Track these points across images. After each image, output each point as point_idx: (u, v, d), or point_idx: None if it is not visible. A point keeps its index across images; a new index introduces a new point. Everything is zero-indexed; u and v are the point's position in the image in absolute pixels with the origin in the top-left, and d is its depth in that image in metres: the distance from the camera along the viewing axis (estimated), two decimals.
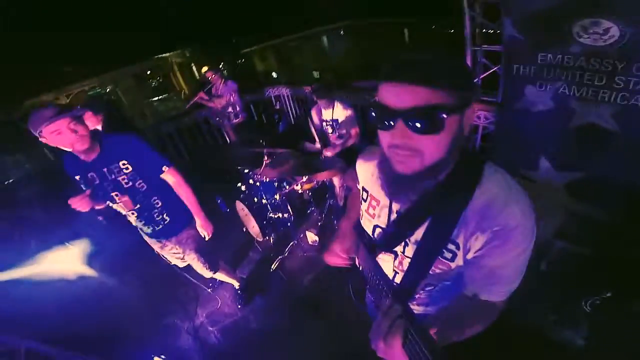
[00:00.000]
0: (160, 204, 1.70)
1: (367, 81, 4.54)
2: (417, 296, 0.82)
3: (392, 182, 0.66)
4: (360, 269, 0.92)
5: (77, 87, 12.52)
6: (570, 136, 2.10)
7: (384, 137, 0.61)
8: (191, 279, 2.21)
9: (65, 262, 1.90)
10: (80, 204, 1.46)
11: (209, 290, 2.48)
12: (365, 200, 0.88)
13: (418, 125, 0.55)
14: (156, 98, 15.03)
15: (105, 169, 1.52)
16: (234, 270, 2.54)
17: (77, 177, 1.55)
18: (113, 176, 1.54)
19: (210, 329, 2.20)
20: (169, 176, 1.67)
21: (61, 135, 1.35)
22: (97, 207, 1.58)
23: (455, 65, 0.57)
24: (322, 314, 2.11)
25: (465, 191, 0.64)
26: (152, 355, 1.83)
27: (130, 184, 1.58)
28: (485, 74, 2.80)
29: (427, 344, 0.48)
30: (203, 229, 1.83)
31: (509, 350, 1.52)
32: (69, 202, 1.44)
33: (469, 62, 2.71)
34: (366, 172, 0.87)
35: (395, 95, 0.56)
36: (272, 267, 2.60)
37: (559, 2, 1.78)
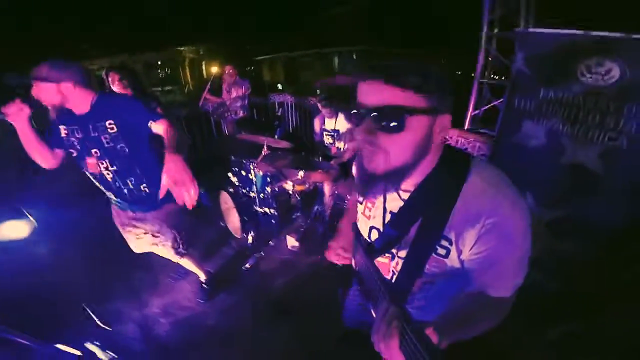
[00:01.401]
0: (138, 171, 1.59)
1: None
2: (414, 297, 0.82)
3: (362, 179, 0.69)
4: (357, 270, 0.92)
5: (87, 65, 12.47)
6: (558, 174, 2.13)
7: (357, 133, 0.64)
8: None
9: (15, 230, 1.74)
10: (11, 109, 1.37)
11: (170, 279, 2.31)
12: (361, 203, 0.89)
13: (381, 122, 0.59)
14: (160, 88, 15.08)
15: (90, 126, 1.45)
16: (203, 261, 2.39)
17: (61, 127, 1.48)
18: (97, 133, 1.46)
19: (162, 320, 2.02)
20: (158, 125, 1.51)
21: (60, 94, 1.35)
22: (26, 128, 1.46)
23: (426, 72, 0.58)
24: (288, 319, 1.98)
25: (454, 186, 0.65)
26: (87, 340, 1.63)
27: (112, 144, 1.48)
28: (487, 107, 2.87)
29: (424, 345, 0.47)
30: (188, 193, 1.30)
31: None
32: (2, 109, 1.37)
33: (474, 95, 2.77)
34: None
35: (364, 93, 0.61)
36: (246, 265, 2.46)
37: (571, 41, 1.86)
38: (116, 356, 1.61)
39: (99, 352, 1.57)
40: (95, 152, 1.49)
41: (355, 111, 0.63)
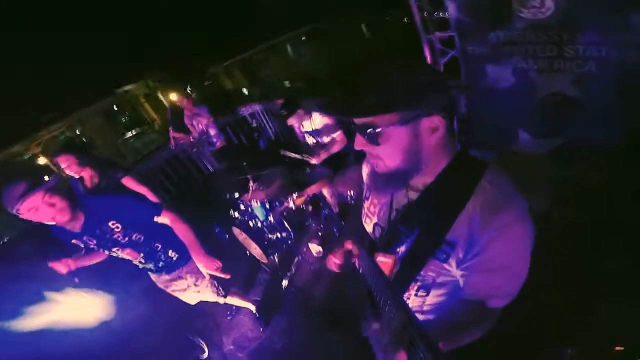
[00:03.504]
0: (160, 247, 1.72)
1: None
2: (410, 300, 0.82)
3: (373, 179, 0.76)
4: (361, 272, 0.91)
5: (45, 134, 12.07)
6: (540, 106, 2.21)
7: (355, 144, 0.70)
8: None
9: (81, 309, 1.89)
10: (59, 266, 1.50)
11: (228, 317, 2.50)
12: (367, 199, 0.90)
13: (364, 136, 0.66)
14: (129, 134, 14.73)
15: (97, 231, 1.52)
16: (247, 293, 2.56)
17: (72, 241, 1.55)
18: (107, 236, 1.54)
19: (240, 355, 2.23)
20: (164, 219, 1.66)
21: (39, 211, 1.30)
22: (86, 264, 1.61)
23: (396, 85, 0.59)
24: (339, 322, 2.14)
25: (464, 191, 0.65)
26: None
27: (127, 239, 1.59)
28: (446, 59, 2.93)
29: (430, 351, 0.46)
30: (206, 268, 1.65)
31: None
32: (49, 264, 1.49)
33: (427, 51, 2.81)
34: (367, 170, 0.91)
35: None
36: (283, 284, 2.63)
37: None
38: None
39: None
40: (117, 250, 1.61)
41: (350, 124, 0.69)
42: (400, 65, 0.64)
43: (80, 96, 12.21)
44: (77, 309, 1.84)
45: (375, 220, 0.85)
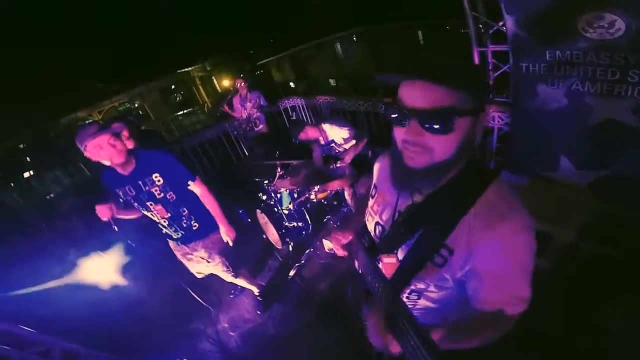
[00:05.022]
0: (187, 212, 1.85)
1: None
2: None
3: (402, 175, 0.69)
4: (360, 271, 0.93)
5: (107, 104, 13.42)
6: (590, 133, 2.01)
7: (399, 132, 0.65)
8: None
9: (100, 270, 2.08)
10: (103, 211, 1.62)
11: (231, 296, 2.60)
12: (372, 197, 0.90)
13: (430, 124, 0.59)
14: (181, 112, 15.80)
15: (140, 181, 1.70)
16: (254, 277, 2.64)
17: (116, 190, 1.72)
18: (147, 187, 1.71)
19: (231, 334, 2.31)
20: (195, 187, 1.82)
21: (102, 149, 1.53)
22: (120, 216, 1.73)
23: (470, 70, 0.62)
24: (338, 320, 2.15)
25: (468, 199, 0.65)
26: (176, 359, 1.95)
27: (162, 194, 1.74)
28: (497, 74, 2.77)
29: (421, 339, 0.49)
30: (226, 234, 1.96)
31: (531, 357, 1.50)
32: (96, 207, 1.61)
33: (476, 61, 2.68)
34: (380, 169, 0.92)
35: (411, 94, 0.60)
36: (290, 274, 2.68)
37: None
38: None
39: None
40: (150, 204, 1.76)
41: (398, 112, 0.62)
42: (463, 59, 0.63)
43: (143, 73, 13.37)
44: (97, 269, 2.02)
45: (377, 219, 0.85)
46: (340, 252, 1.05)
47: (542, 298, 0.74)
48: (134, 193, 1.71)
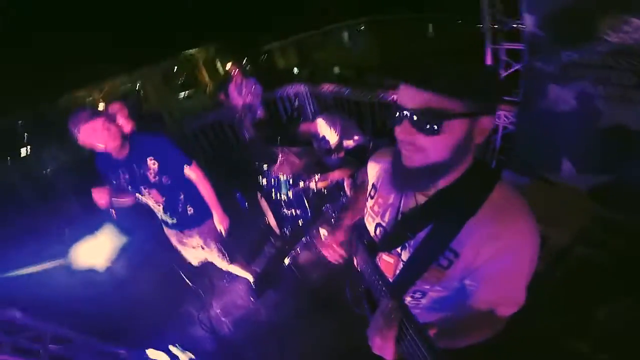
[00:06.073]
0: (182, 196, 1.82)
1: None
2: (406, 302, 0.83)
3: (400, 174, 0.69)
4: (359, 270, 0.92)
5: (108, 83, 13.22)
6: (596, 138, 1.99)
7: (396, 131, 0.65)
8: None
9: (94, 253, 2.06)
10: (100, 196, 1.59)
11: (225, 282, 2.60)
12: (372, 197, 0.89)
13: (419, 125, 0.59)
14: (182, 95, 15.59)
15: (134, 165, 1.66)
16: (249, 264, 2.64)
17: (111, 174, 1.69)
18: (142, 171, 1.67)
19: (223, 319, 2.32)
20: (191, 172, 1.78)
21: (96, 133, 1.49)
22: (116, 202, 1.70)
23: (469, 75, 0.58)
24: (331, 308, 2.15)
25: (474, 201, 0.64)
26: (168, 344, 1.96)
27: (157, 178, 1.70)
28: (507, 72, 2.71)
29: (423, 340, 0.49)
30: (220, 222, 1.94)
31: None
32: (92, 190, 1.59)
33: (489, 59, 2.62)
34: (378, 169, 0.89)
35: (404, 95, 0.61)
36: (285, 261, 2.67)
37: None
38: (194, 357, 1.91)
39: (180, 354, 1.87)
40: (145, 188, 1.72)
41: (394, 111, 0.63)
42: (468, 61, 0.61)
43: (145, 54, 13.13)
44: (90, 251, 2.00)
45: (378, 220, 0.84)
46: (336, 257, 1.01)
47: (536, 300, 0.75)
48: (128, 177, 1.68)
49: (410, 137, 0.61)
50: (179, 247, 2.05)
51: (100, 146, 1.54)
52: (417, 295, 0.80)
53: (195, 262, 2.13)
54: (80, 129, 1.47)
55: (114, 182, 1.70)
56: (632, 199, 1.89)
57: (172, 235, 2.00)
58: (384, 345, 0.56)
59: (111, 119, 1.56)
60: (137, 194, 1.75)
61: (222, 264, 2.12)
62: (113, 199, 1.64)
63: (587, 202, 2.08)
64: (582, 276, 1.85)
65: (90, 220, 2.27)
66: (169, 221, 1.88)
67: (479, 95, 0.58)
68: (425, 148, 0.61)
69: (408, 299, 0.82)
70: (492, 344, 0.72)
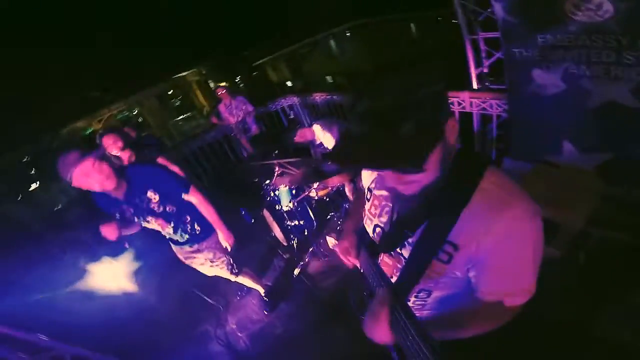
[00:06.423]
0: (189, 219, 1.87)
1: None
2: (410, 302, 0.83)
3: (397, 200, 0.73)
4: (362, 272, 0.93)
5: (106, 113, 13.46)
6: (591, 117, 2.00)
7: (383, 179, 0.70)
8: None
9: (109, 277, 2.11)
10: (109, 231, 1.58)
11: (238, 297, 2.62)
12: (368, 200, 0.89)
13: (397, 172, 0.63)
14: (180, 117, 15.81)
15: (137, 199, 1.68)
16: (260, 277, 2.66)
17: (114, 211, 1.70)
18: (145, 205, 1.70)
19: (239, 334, 2.34)
20: (191, 197, 1.82)
21: (89, 177, 1.45)
22: (125, 234, 1.72)
23: (418, 105, 0.55)
24: (344, 316, 2.16)
25: (465, 191, 0.64)
26: None
27: (162, 209, 1.74)
28: (490, 61, 2.76)
29: (414, 324, 0.50)
30: (225, 240, 1.98)
31: (547, 346, 1.48)
32: (100, 228, 1.56)
33: (469, 52, 2.67)
34: (372, 174, 0.90)
35: (368, 178, 0.68)
36: (295, 272, 2.70)
37: None
38: None
39: None
40: (151, 219, 1.76)
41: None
42: (422, 74, 0.60)
43: (140, 80, 13.40)
44: (106, 276, 2.04)
45: (376, 221, 0.85)
46: (351, 261, 1.01)
47: (554, 288, 0.73)
48: (133, 210, 1.71)
49: (398, 182, 0.65)
50: (187, 263, 2.08)
51: (96, 188, 1.51)
52: (422, 294, 0.80)
53: (209, 274, 2.14)
54: (72, 175, 1.42)
55: (119, 215, 1.72)
56: (636, 173, 1.87)
57: (179, 252, 2.04)
58: (376, 326, 0.57)
59: (102, 156, 1.51)
60: (144, 224, 1.79)
61: (231, 276, 2.16)
62: (121, 231, 1.65)
63: (596, 182, 2.01)
64: (608, 260, 1.77)
65: (104, 247, 2.33)
66: (180, 240, 1.92)
67: (433, 118, 0.57)
68: (414, 180, 0.63)
69: (413, 299, 0.82)
70: (521, 335, 0.71)
